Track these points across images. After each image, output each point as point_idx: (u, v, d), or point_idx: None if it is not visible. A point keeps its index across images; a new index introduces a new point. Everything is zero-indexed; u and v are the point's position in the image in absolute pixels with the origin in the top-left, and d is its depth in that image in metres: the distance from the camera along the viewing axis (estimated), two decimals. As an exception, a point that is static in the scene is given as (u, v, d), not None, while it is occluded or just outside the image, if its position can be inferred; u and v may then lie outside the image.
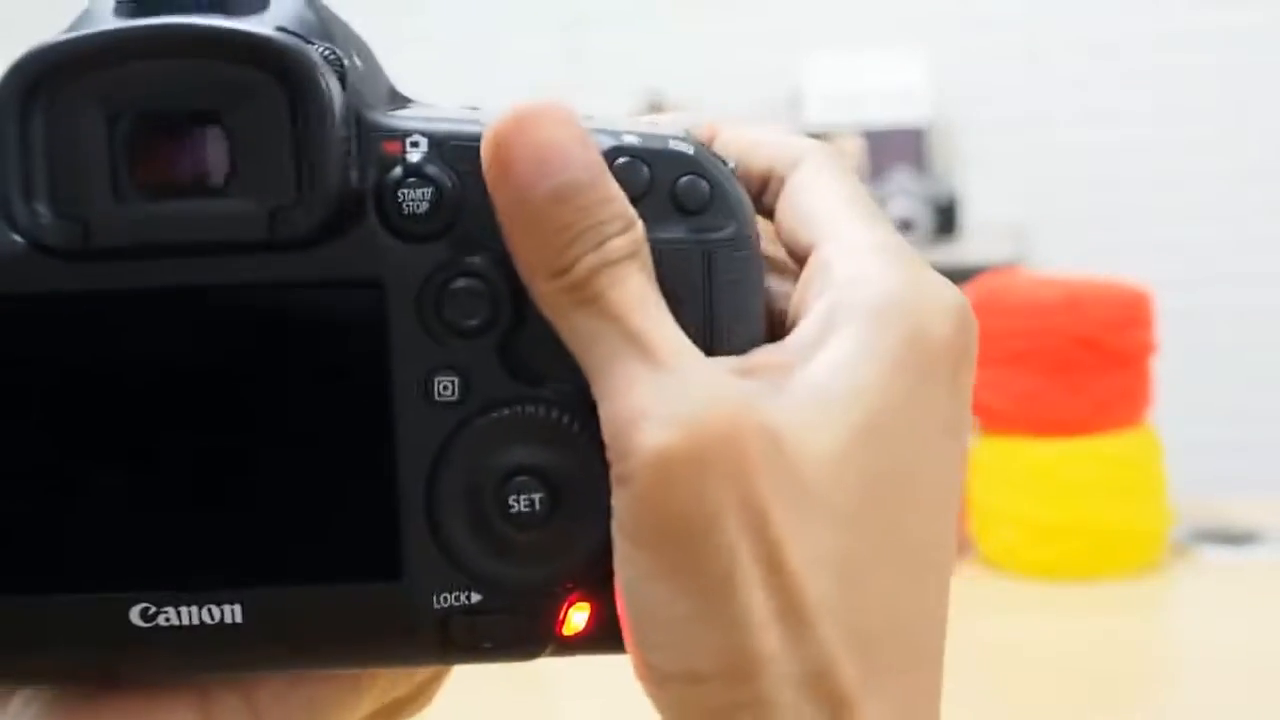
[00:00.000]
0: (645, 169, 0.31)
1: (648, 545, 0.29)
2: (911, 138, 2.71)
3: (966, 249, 2.48)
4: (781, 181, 0.34)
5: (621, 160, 0.31)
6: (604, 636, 0.31)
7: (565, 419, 0.31)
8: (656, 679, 0.30)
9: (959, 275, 1.99)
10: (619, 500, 0.29)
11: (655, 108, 2.74)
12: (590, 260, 0.30)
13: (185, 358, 0.31)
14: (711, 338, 0.31)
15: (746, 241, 0.31)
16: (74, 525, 0.31)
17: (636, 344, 0.29)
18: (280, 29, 0.30)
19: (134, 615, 0.31)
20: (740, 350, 0.31)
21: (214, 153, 0.30)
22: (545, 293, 0.30)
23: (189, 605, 0.31)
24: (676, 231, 0.31)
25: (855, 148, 2.65)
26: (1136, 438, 1.35)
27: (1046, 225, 2.75)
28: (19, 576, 0.31)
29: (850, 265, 0.32)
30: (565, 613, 0.31)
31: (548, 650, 0.32)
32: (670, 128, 0.32)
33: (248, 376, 0.31)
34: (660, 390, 0.29)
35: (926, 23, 2.81)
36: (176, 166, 0.30)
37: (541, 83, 2.91)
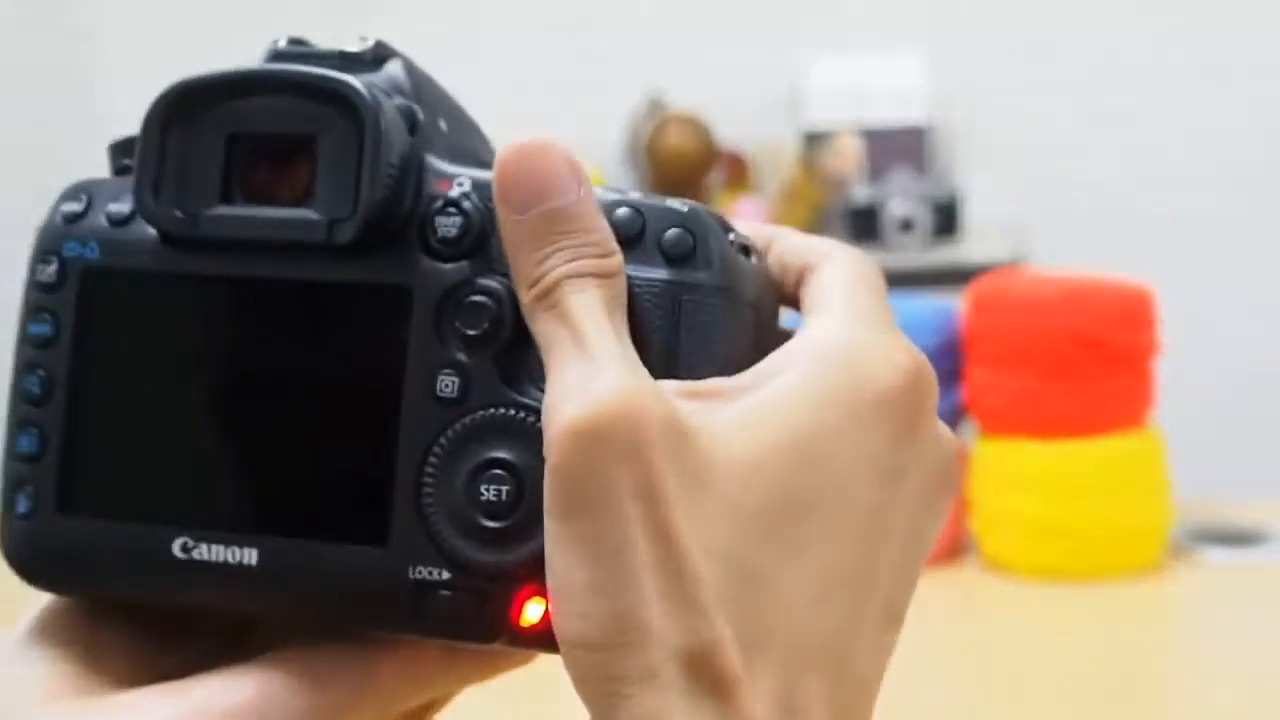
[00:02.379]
0: (640, 219, 0.36)
1: (557, 515, 0.33)
2: (912, 137, 2.71)
3: (967, 249, 2.48)
4: (812, 272, 0.39)
5: (621, 210, 0.36)
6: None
7: (538, 423, 0.35)
8: (565, 647, 0.33)
9: (959, 275, 1.99)
10: (545, 477, 0.33)
11: (656, 107, 2.74)
12: (558, 271, 0.34)
13: (249, 333, 0.38)
14: (674, 368, 0.35)
15: (720, 292, 0.36)
16: (139, 463, 0.38)
17: (578, 342, 0.34)
18: (370, 85, 0.37)
19: (175, 547, 0.37)
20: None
21: (301, 172, 0.37)
22: (525, 302, 0.35)
23: (218, 544, 0.37)
24: (657, 274, 0.36)
25: (854, 148, 2.65)
26: (1138, 438, 1.35)
27: (1047, 225, 2.75)
28: (92, 500, 0.38)
29: (818, 323, 0.37)
30: (521, 604, 0.35)
31: (503, 638, 0.36)
32: (676, 199, 0.37)
33: (292, 355, 0.38)
34: (582, 375, 0.33)
35: (927, 23, 2.81)
36: (273, 180, 0.38)
37: (544, 83, 2.91)
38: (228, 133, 0.38)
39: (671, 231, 0.36)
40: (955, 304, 1.43)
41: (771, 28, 2.85)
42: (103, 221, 0.39)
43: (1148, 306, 1.36)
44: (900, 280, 2.31)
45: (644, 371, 0.34)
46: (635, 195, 0.37)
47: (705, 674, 0.32)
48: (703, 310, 0.36)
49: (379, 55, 0.39)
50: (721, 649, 0.32)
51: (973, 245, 2.49)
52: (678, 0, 2.89)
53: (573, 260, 0.35)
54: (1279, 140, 2.74)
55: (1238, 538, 1.40)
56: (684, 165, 2.64)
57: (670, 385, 0.34)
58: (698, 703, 0.32)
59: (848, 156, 2.65)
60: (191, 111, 0.38)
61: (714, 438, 0.33)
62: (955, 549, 1.40)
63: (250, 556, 0.37)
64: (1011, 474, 1.34)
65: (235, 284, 0.38)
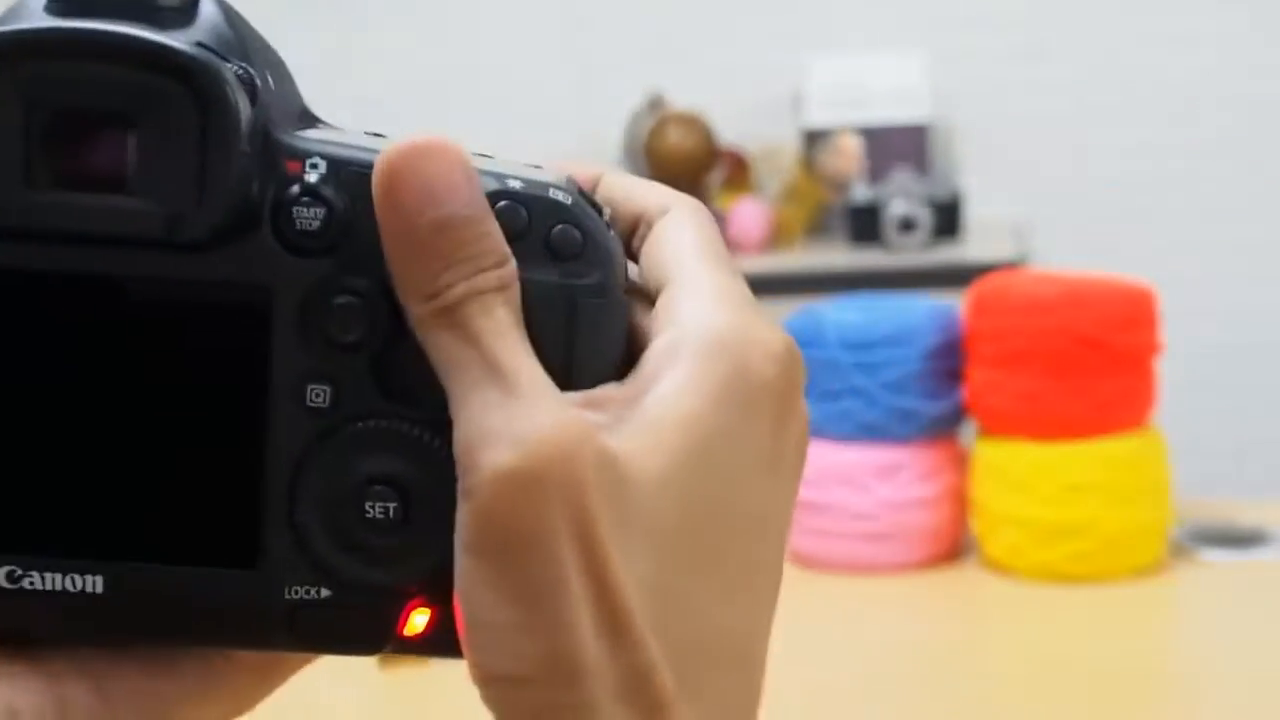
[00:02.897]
0: (524, 213, 0.33)
1: (482, 555, 0.31)
2: (913, 137, 2.70)
3: (968, 248, 2.48)
4: (649, 227, 0.37)
5: (503, 203, 0.33)
6: (440, 640, 0.34)
7: (426, 436, 0.33)
8: (483, 679, 0.32)
9: (961, 275, 1.99)
10: (461, 513, 0.32)
11: (656, 107, 2.74)
12: (461, 289, 0.32)
13: (74, 339, 0.33)
14: (569, 374, 0.33)
15: (609, 290, 0.34)
16: None
17: (493, 371, 0.32)
18: (199, 44, 0.32)
19: (0, 576, 0.33)
20: (592, 387, 0.34)
21: (122, 153, 0.32)
22: (418, 315, 0.32)
23: (53, 571, 0.33)
24: (547, 274, 0.33)
25: (855, 148, 2.65)
26: (1140, 439, 1.35)
27: (1048, 225, 2.74)
28: None
29: (689, 306, 0.35)
30: (407, 615, 0.34)
31: (387, 648, 0.34)
32: (553, 175, 0.35)
33: (133, 363, 0.33)
34: (508, 415, 0.31)
35: (927, 22, 2.81)
36: (87, 162, 0.32)
37: (544, 83, 2.91)
38: (28, 102, 0.32)
39: (559, 228, 0.34)
40: (956, 304, 1.43)
41: (771, 27, 2.85)
42: None
43: (1148, 306, 1.36)
44: (901, 280, 2.32)
45: (565, 402, 0.32)
46: (513, 181, 0.34)
47: (640, 701, 0.32)
48: (596, 311, 0.34)
49: (192, 9, 0.33)
50: (655, 674, 0.32)
51: (974, 245, 2.49)
52: (678, 0, 2.89)
53: (473, 274, 0.32)
54: (1279, 141, 2.73)
55: (1238, 538, 1.40)
56: (684, 165, 2.64)
57: (571, 398, 0.33)
58: None
59: (848, 156, 2.65)
60: None
61: (627, 458, 0.32)
62: (955, 549, 1.40)
63: (94, 584, 0.33)
64: (1012, 474, 1.33)
65: (49, 281, 0.33)
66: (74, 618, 0.33)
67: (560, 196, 0.34)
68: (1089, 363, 1.32)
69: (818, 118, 2.72)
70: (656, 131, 2.67)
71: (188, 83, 0.32)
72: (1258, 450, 2.71)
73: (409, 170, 0.32)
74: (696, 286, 0.35)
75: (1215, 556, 1.37)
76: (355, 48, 2.95)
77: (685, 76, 2.82)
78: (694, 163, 2.64)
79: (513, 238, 0.33)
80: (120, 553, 0.33)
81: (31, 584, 0.33)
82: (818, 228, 2.70)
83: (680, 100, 2.75)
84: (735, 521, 0.34)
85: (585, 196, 0.35)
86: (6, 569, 0.33)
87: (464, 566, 0.32)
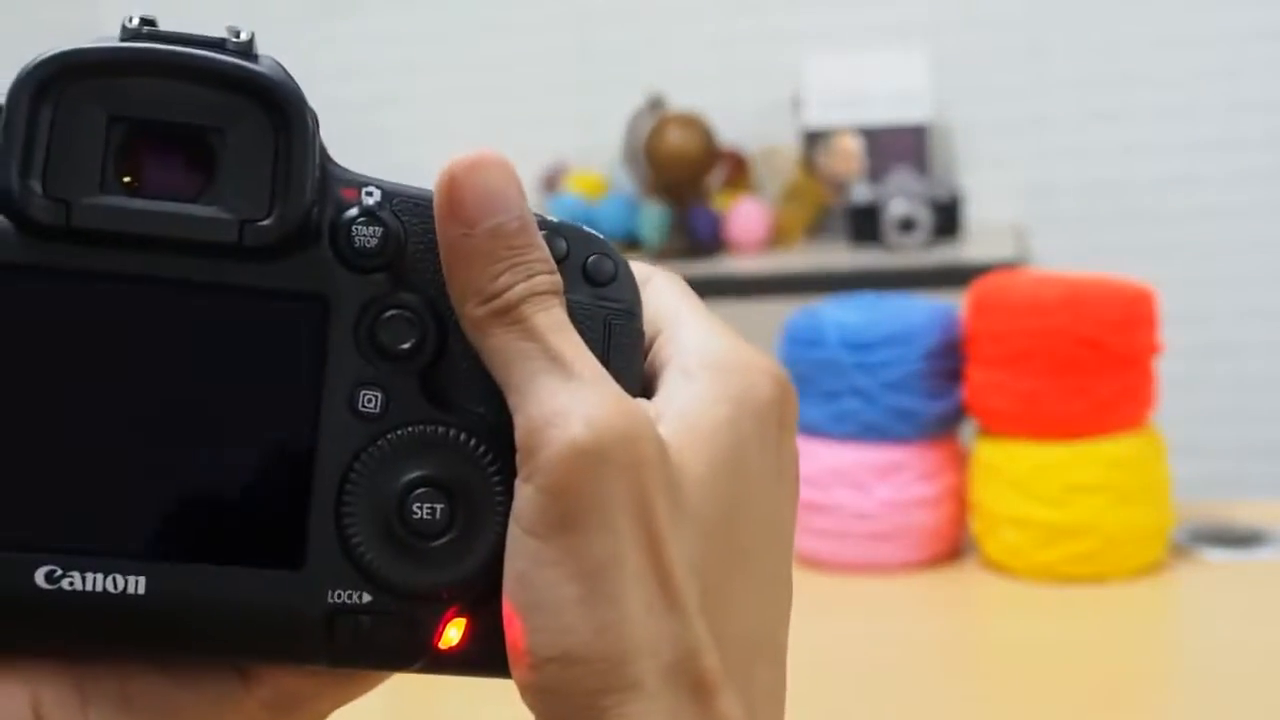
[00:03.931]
0: (563, 242, 0.37)
1: (548, 531, 0.33)
2: (912, 137, 2.70)
3: (968, 249, 2.48)
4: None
5: (544, 231, 0.36)
6: (475, 655, 0.35)
7: (472, 441, 0.35)
8: (535, 663, 0.33)
9: (961, 275, 1.99)
10: (522, 496, 0.33)
11: (656, 107, 2.74)
12: (520, 289, 0.35)
13: (138, 339, 0.34)
14: None
15: (636, 317, 0.37)
16: (2, 483, 0.33)
17: (557, 360, 0.34)
18: (289, 78, 0.35)
19: (39, 576, 0.33)
20: None
21: (197, 165, 0.34)
22: (476, 317, 0.35)
23: (95, 571, 0.33)
24: (584, 296, 0.36)
25: (855, 148, 2.65)
26: (1139, 439, 1.35)
27: (1048, 225, 2.75)
28: None
29: (690, 336, 0.38)
30: (444, 626, 0.35)
31: (421, 662, 0.35)
32: (587, 227, 0.38)
33: (192, 364, 0.34)
34: (575, 396, 0.33)
35: (927, 23, 2.81)
36: (162, 172, 0.34)
37: (544, 83, 2.91)
38: (113, 114, 0.34)
39: (594, 257, 0.37)
40: (956, 304, 1.43)
41: (771, 27, 2.85)
42: None
43: (1148, 307, 1.36)
44: (900, 280, 2.31)
45: (623, 389, 0.35)
46: (550, 218, 0.37)
47: (688, 681, 0.34)
48: (626, 333, 0.37)
49: (253, 51, 0.35)
50: (704, 655, 0.34)
51: (973, 245, 2.49)
52: (678, 0, 2.89)
53: (531, 276, 0.35)
54: (1279, 141, 2.73)
55: (1238, 538, 1.40)
56: (684, 165, 2.64)
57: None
58: (680, 710, 0.33)
59: (848, 156, 2.65)
60: (66, 85, 0.33)
61: (676, 451, 0.35)
62: (955, 549, 1.40)
63: (137, 585, 0.33)
64: (1012, 474, 1.33)
65: (118, 282, 0.34)
66: (112, 621, 0.34)
67: (592, 232, 0.37)
68: (1089, 363, 1.32)
69: (818, 118, 2.72)
70: (656, 132, 2.67)
71: (269, 103, 0.34)
72: (1258, 450, 2.71)
73: (469, 181, 0.35)
74: (692, 323, 0.38)
75: (1215, 556, 1.37)
76: (355, 48, 2.95)
77: (685, 76, 2.82)
78: (694, 163, 2.64)
79: (556, 262, 0.36)
80: (165, 553, 0.34)
81: (71, 585, 0.33)
82: (818, 228, 2.70)
83: (680, 100, 2.75)
84: (757, 525, 0.37)
85: (613, 247, 0.38)
86: (46, 569, 0.33)
87: (523, 548, 0.33)
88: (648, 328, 0.38)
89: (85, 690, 0.34)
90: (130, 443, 0.34)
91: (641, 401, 0.35)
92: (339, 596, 0.34)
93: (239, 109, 0.34)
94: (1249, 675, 1.14)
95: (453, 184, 0.35)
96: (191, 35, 0.35)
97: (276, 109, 0.34)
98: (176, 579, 0.34)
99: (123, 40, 0.34)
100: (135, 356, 0.34)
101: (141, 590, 0.34)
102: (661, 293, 0.39)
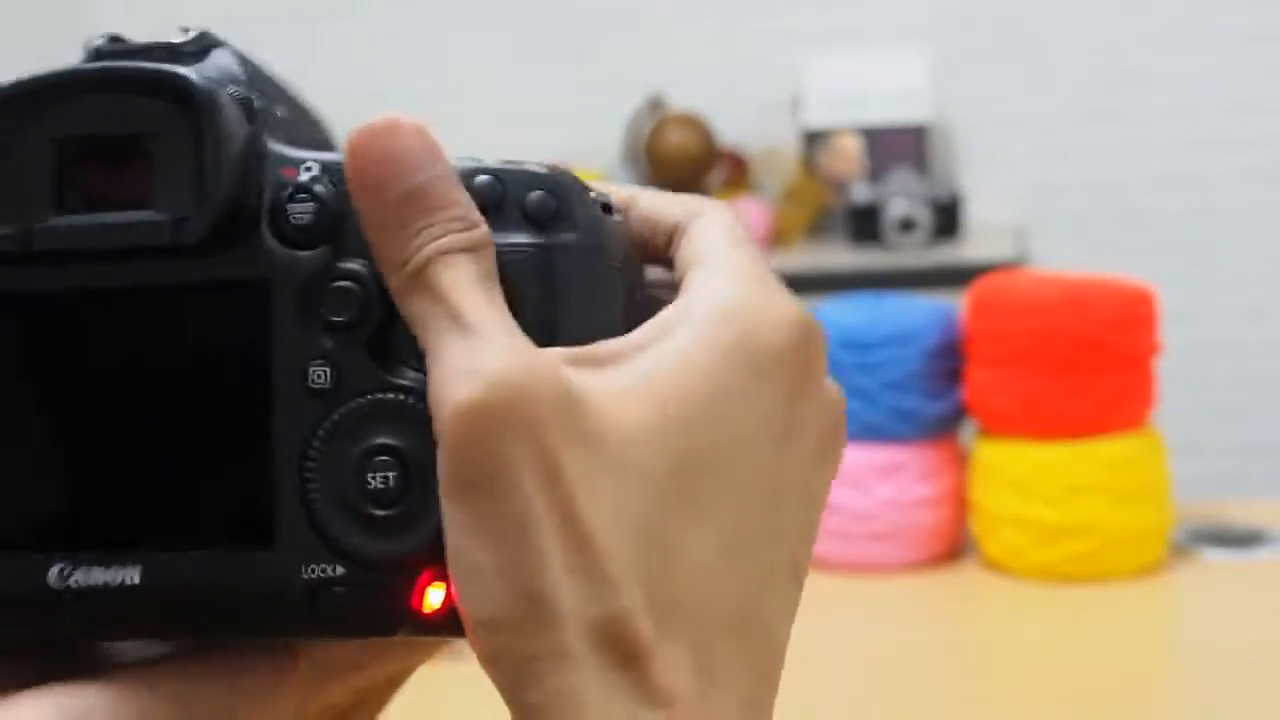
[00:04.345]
0: (500, 185, 0.35)
1: (457, 496, 0.32)
2: (913, 137, 2.70)
3: (968, 249, 2.48)
4: (683, 233, 0.38)
5: (480, 178, 0.35)
6: (460, 619, 0.34)
7: (420, 405, 0.34)
8: (471, 629, 0.32)
9: (960, 275, 1.99)
10: (438, 460, 0.32)
11: (656, 107, 2.74)
12: (427, 250, 0.33)
13: (102, 347, 0.36)
14: (553, 331, 0.35)
15: (589, 252, 0.36)
16: (3, 492, 0.36)
17: (457, 320, 0.33)
18: (201, 74, 0.35)
19: (52, 575, 0.35)
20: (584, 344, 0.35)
21: (138, 173, 0.35)
22: (395, 286, 0.34)
23: (97, 565, 0.35)
24: (524, 239, 0.35)
25: (854, 148, 2.65)
26: (1139, 439, 1.35)
27: (1048, 225, 2.75)
28: None
29: (703, 280, 0.36)
30: (422, 590, 0.34)
31: (406, 627, 0.35)
32: (533, 162, 0.36)
33: (152, 365, 0.36)
34: (468, 354, 0.32)
35: (928, 23, 2.81)
36: (108, 184, 0.36)
37: (544, 83, 2.91)
38: (55, 137, 0.35)
39: (533, 195, 0.35)
40: (956, 304, 1.43)
41: (771, 27, 2.85)
42: None
43: (1148, 307, 1.36)
44: (900, 280, 2.32)
45: (529, 342, 0.33)
46: (491, 163, 0.36)
47: (616, 647, 0.32)
48: (575, 271, 0.35)
49: (204, 45, 0.37)
50: (631, 620, 0.32)
51: (973, 245, 2.49)
52: (678, 0, 2.89)
53: (438, 237, 0.34)
54: (1279, 141, 2.74)
55: (1239, 539, 1.40)
56: (684, 165, 2.64)
57: (558, 353, 0.33)
58: (610, 676, 0.32)
59: (848, 156, 2.65)
60: (11, 119, 0.36)
61: (609, 404, 0.33)
62: (955, 549, 1.40)
63: (132, 575, 0.35)
64: (1012, 474, 1.34)
65: (80, 296, 0.36)
66: (117, 610, 0.35)
67: (536, 169, 0.36)
68: (1089, 363, 1.32)
69: (817, 118, 2.72)
70: (656, 132, 2.67)
71: (184, 103, 0.35)
72: (1258, 450, 2.71)
73: (372, 148, 0.34)
74: (714, 266, 0.36)
75: (1215, 556, 1.37)
76: (355, 47, 2.95)
77: (685, 77, 2.82)
78: (694, 163, 2.64)
79: (490, 209, 0.35)
80: (152, 542, 0.35)
81: (78, 582, 0.35)
82: (818, 228, 2.70)
83: (680, 101, 2.75)
84: (734, 482, 0.34)
85: (580, 179, 0.36)
86: (57, 567, 0.35)
87: (446, 514, 0.32)
88: (682, 268, 0.37)
89: (141, 701, 0.34)
90: (111, 443, 0.36)
91: (554, 351, 0.33)
92: (313, 571, 0.35)
93: (163, 112, 0.35)
94: (1249, 675, 1.14)
95: (353, 153, 0.34)
96: (145, 45, 0.36)
97: (192, 107, 0.35)
98: (166, 566, 0.35)
99: (86, 60, 0.36)
100: (106, 365, 0.36)
101: (137, 580, 0.35)
102: (701, 233, 0.37)
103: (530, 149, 2.81)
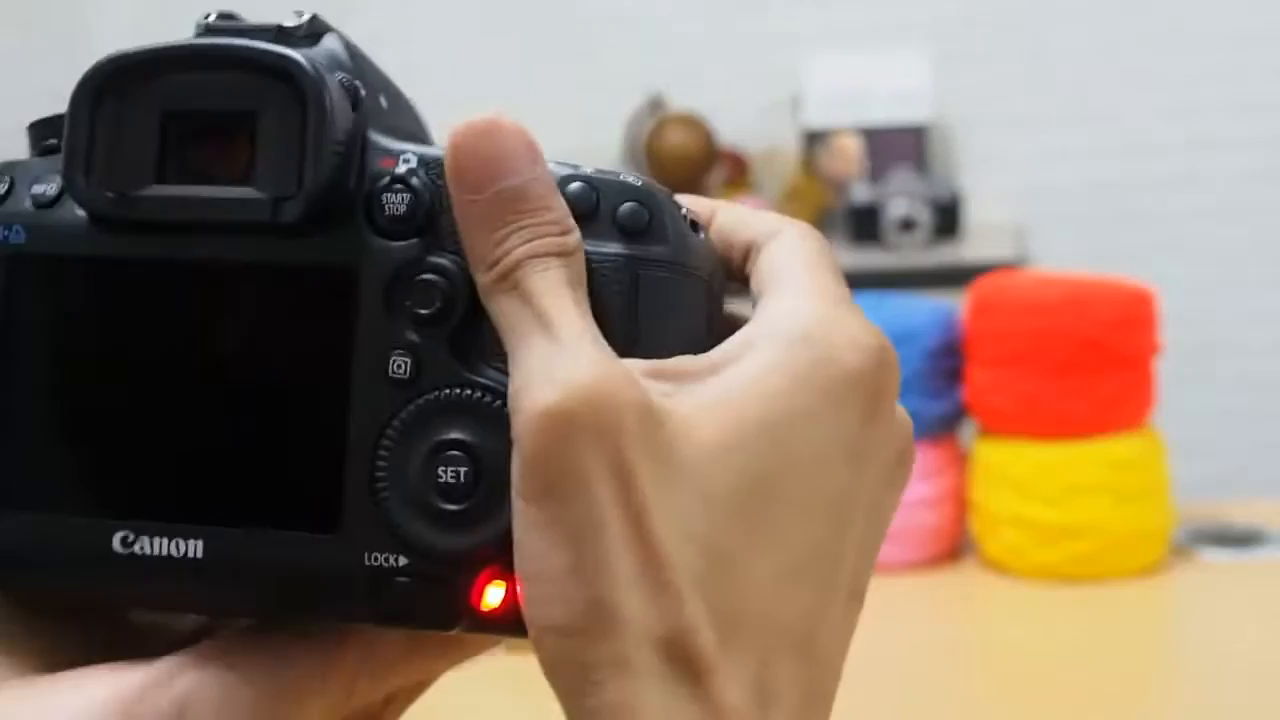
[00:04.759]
0: (594, 194, 0.36)
1: (530, 499, 0.32)
2: (913, 137, 2.70)
3: (968, 249, 2.48)
4: (759, 251, 0.38)
5: (574, 185, 0.36)
6: (519, 618, 0.34)
7: (497, 404, 0.34)
8: (535, 634, 0.33)
9: (960, 275, 1.98)
10: (513, 461, 0.33)
11: (656, 107, 2.74)
12: (519, 253, 0.34)
13: (191, 318, 0.37)
14: (633, 342, 0.35)
15: (677, 267, 0.36)
16: (75, 455, 0.36)
17: (543, 324, 0.33)
18: (311, 59, 0.36)
19: (115, 541, 0.36)
20: (662, 358, 0.35)
21: (241, 149, 0.36)
22: (483, 284, 0.34)
23: (161, 536, 0.35)
24: (613, 248, 0.35)
25: (854, 148, 2.65)
26: (1139, 439, 1.35)
27: (1048, 225, 2.75)
28: (25, 495, 0.36)
29: (782, 302, 0.36)
30: (482, 588, 0.34)
31: (464, 623, 0.35)
32: (628, 173, 0.37)
33: (234, 340, 0.36)
34: (551, 360, 0.33)
35: (928, 23, 2.81)
36: (212, 158, 0.36)
37: (544, 83, 2.91)
38: (162, 109, 0.36)
39: (626, 205, 0.36)
40: (956, 304, 1.43)
41: (771, 27, 2.85)
42: (28, 204, 0.37)
43: (1148, 307, 1.36)
44: (900, 280, 2.31)
45: (611, 352, 0.33)
46: (588, 170, 0.36)
47: (679, 659, 0.32)
48: (661, 285, 0.36)
49: (315, 30, 0.37)
50: (696, 634, 0.32)
51: (973, 245, 2.49)
52: (678, 0, 2.89)
53: (532, 240, 0.34)
54: (1279, 142, 2.74)
55: (1238, 540, 1.40)
56: (684, 165, 2.64)
57: (637, 365, 0.34)
58: (671, 688, 0.32)
59: (848, 156, 2.65)
60: (124, 88, 0.36)
61: (684, 420, 0.33)
62: (955, 549, 1.40)
63: (196, 549, 0.35)
64: (1011, 474, 1.34)
65: (173, 267, 0.36)
66: (178, 582, 0.36)
67: (631, 180, 0.36)
68: (1089, 363, 1.32)
69: (818, 118, 2.72)
70: (656, 132, 2.67)
71: (292, 85, 0.35)
72: (1257, 450, 2.71)
73: (473, 147, 0.34)
74: (793, 287, 0.36)
75: (1215, 557, 1.37)
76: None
77: (685, 77, 2.82)
78: (694, 163, 2.64)
79: (583, 216, 0.35)
80: (218, 518, 0.35)
81: (142, 549, 0.35)
82: (818, 228, 2.69)
83: (680, 101, 2.75)
84: (802, 503, 0.34)
85: (667, 193, 0.37)
86: (121, 534, 0.36)
87: (518, 514, 0.33)
88: (759, 289, 0.37)
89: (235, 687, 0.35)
90: (187, 415, 0.36)
91: (635, 363, 0.34)
92: (375, 559, 0.35)
93: (269, 91, 0.35)
94: (1249, 675, 1.14)
95: (455, 151, 0.34)
96: (256, 25, 0.37)
97: (299, 89, 0.35)
98: (229, 543, 0.35)
99: (196, 35, 0.37)
100: (191, 336, 0.37)
101: (199, 554, 0.35)
102: (778, 252, 0.38)
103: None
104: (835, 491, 0.35)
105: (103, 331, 0.37)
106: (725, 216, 0.39)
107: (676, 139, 2.65)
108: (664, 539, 0.32)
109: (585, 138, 2.85)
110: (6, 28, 2.77)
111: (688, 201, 0.38)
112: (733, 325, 0.37)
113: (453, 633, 0.35)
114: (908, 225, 2.47)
